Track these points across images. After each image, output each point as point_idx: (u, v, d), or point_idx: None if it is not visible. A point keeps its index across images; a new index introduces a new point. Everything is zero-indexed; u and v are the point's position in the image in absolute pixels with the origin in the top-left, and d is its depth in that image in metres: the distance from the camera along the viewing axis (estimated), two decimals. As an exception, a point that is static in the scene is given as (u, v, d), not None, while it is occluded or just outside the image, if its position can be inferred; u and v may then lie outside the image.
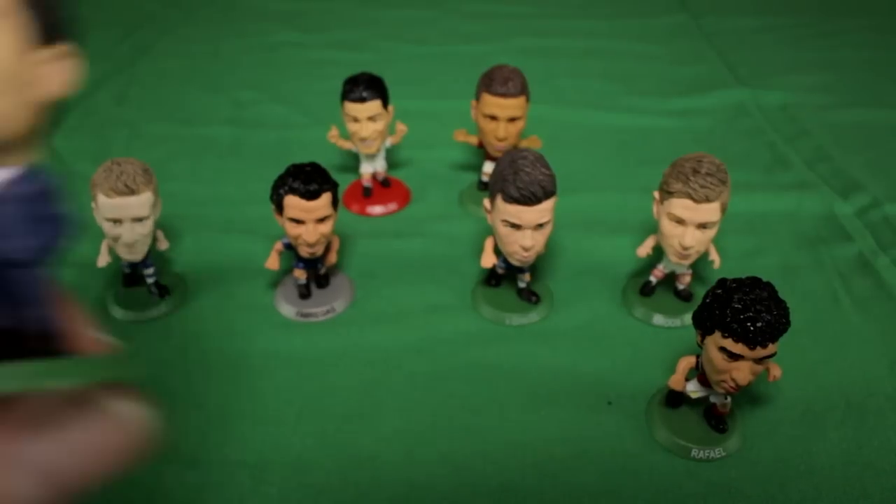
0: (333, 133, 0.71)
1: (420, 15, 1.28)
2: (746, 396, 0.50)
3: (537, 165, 0.49)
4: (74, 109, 0.92)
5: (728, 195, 0.51)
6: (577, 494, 0.44)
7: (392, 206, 0.72)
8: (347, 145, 0.70)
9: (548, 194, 0.50)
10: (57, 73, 0.16)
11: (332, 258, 0.59)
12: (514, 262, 0.54)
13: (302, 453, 0.47)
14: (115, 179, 0.51)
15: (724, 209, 0.51)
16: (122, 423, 0.17)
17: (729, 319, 0.39)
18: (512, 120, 0.65)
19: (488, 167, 0.72)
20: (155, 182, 0.54)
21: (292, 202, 0.51)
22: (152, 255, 0.58)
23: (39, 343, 0.17)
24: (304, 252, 0.55)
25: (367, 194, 0.73)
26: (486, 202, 0.53)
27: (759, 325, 0.38)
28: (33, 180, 0.16)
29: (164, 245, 0.59)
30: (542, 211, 0.50)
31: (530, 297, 0.59)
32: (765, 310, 0.38)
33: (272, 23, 1.23)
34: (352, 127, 0.66)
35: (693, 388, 0.46)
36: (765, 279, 0.41)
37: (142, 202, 0.52)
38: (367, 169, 0.72)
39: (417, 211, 0.73)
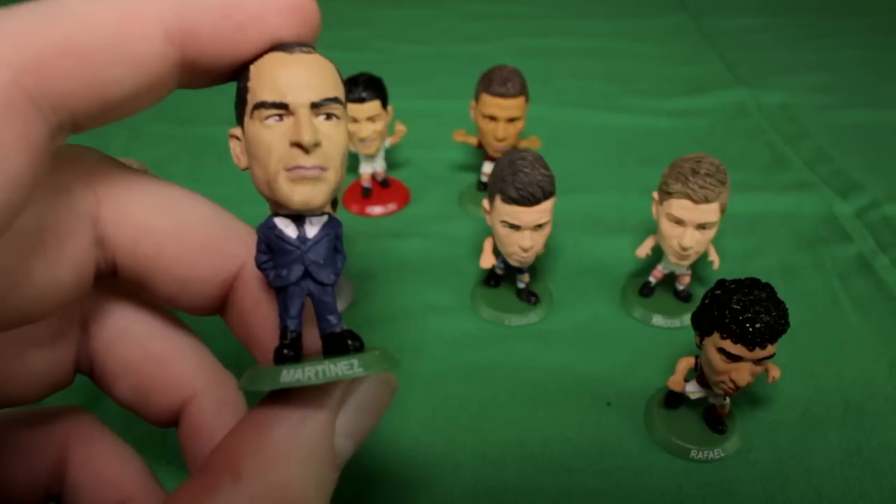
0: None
1: (420, 15, 1.28)
2: (745, 397, 0.50)
3: (536, 166, 0.49)
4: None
5: (727, 196, 0.51)
6: (576, 495, 0.44)
7: (391, 207, 0.72)
8: (347, 145, 0.70)
9: (547, 195, 0.49)
10: None
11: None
12: (513, 263, 0.54)
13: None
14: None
15: (723, 210, 0.51)
16: (391, 386, 0.24)
17: (728, 320, 0.39)
18: (511, 120, 0.65)
19: (487, 167, 0.72)
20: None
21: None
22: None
23: (350, 340, 0.22)
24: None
25: (366, 195, 0.73)
26: (485, 203, 0.53)
27: (757, 326, 0.38)
28: (334, 225, 0.22)
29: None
30: (541, 211, 0.50)
31: (529, 297, 0.58)
32: (763, 311, 0.38)
33: (272, 23, 1.23)
34: (351, 127, 0.66)
35: (692, 389, 0.46)
36: (764, 280, 0.41)
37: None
38: (366, 169, 0.72)
39: (417, 211, 0.73)
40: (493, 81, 0.64)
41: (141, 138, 0.87)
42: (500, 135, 0.66)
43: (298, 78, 0.21)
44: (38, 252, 0.19)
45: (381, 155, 0.71)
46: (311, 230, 0.22)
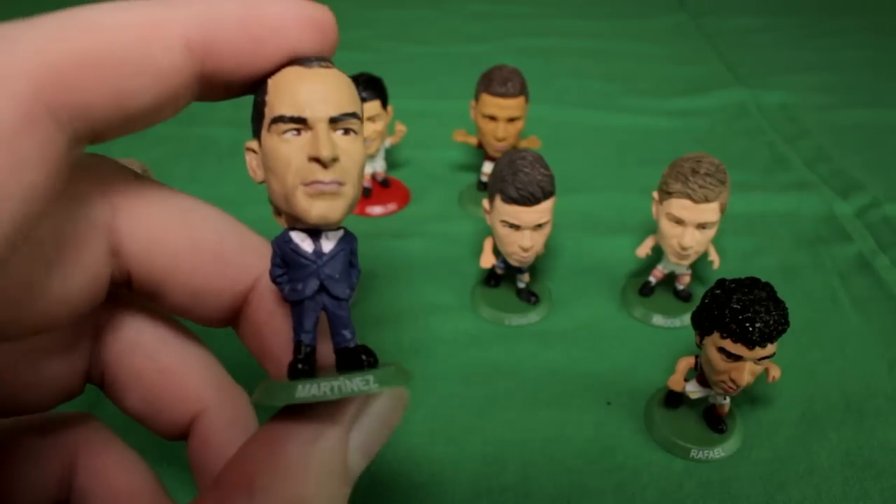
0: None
1: (420, 15, 1.28)
2: (746, 397, 0.50)
3: (536, 166, 0.49)
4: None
5: (727, 195, 0.51)
6: (576, 494, 0.44)
7: (391, 207, 0.72)
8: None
9: (546, 195, 0.50)
10: None
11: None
12: (513, 263, 0.54)
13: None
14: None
15: (723, 209, 0.51)
16: (403, 401, 0.24)
17: (728, 320, 0.39)
18: (511, 120, 0.65)
19: (487, 167, 0.72)
20: (154, 183, 0.54)
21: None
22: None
23: (364, 356, 0.22)
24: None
25: (366, 195, 0.73)
26: (485, 203, 0.53)
27: (757, 325, 0.38)
28: (350, 240, 0.22)
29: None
30: (541, 211, 0.50)
31: (529, 297, 0.59)
32: (763, 310, 0.38)
33: (272, 23, 1.23)
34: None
35: (692, 389, 0.46)
36: (764, 279, 0.41)
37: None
38: (366, 169, 0.72)
39: (417, 211, 0.73)
40: (493, 81, 0.64)
41: (141, 139, 0.87)
42: (500, 135, 0.66)
43: (317, 93, 0.21)
44: (55, 262, 0.19)
45: (382, 155, 0.71)
46: (328, 245, 0.22)
